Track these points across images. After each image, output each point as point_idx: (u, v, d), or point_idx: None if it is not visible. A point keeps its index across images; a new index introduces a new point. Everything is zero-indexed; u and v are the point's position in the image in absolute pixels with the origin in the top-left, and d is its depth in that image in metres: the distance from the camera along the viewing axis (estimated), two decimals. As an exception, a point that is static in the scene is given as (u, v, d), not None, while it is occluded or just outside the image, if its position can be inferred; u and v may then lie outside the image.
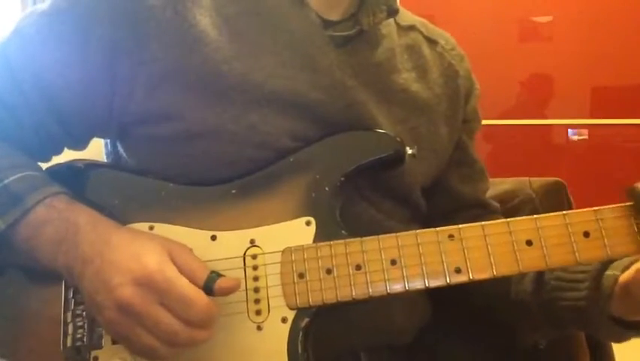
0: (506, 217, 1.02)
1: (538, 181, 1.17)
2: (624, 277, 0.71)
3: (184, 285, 0.63)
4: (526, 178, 1.17)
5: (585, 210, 0.68)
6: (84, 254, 0.66)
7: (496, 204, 0.99)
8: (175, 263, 0.65)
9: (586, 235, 0.68)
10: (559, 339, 1.01)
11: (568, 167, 2.88)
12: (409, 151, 0.76)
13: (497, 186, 1.10)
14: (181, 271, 0.64)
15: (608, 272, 0.74)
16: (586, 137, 2.85)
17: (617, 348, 1.07)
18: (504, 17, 2.93)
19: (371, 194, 0.80)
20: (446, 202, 0.93)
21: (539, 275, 0.81)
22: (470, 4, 2.98)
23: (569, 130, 2.88)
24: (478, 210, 0.95)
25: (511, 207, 1.19)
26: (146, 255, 0.64)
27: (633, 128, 2.77)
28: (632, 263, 0.72)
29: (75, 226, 0.67)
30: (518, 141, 2.83)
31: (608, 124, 2.82)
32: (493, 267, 0.68)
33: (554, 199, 1.16)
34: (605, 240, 0.67)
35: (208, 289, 0.65)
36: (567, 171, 2.84)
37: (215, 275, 0.66)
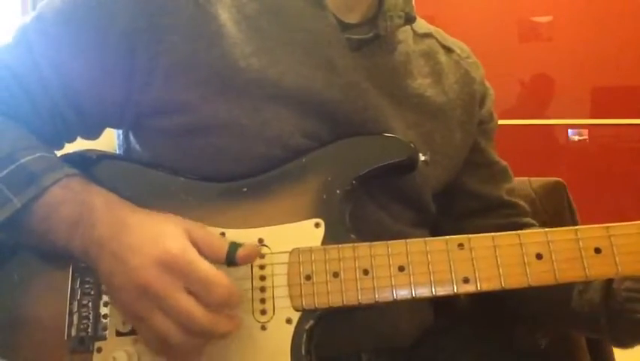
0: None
1: (538, 181, 1.18)
2: None
3: (206, 267, 0.63)
4: (526, 178, 1.18)
5: (597, 226, 0.68)
6: (101, 236, 0.66)
7: (525, 207, 0.98)
8: (194, 240, 0.65)
9: (597, 251, 0.67)
10: (559, 339, 1.01)
11: (568, 167, 2.89)
12: (422, 158, 0.76)
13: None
14: (201, 247, 0.65)
15: None
16: (586, 137, 2.86)
17: (617, 348, 1.08)
18: (504, 17, 2.94)
19: (381, 196, 0.81)
20: (470, 204, 0.94)
21: (607, 285, 0.79)
22: (470, 4, 2.98)
23: (569, 130, 2.88)
24: (502, 210, 0.95)
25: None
26: (167, 237, 0.64)
27: (633, 128, 2.77)
28: None
29: (91, 207, 0.67)
30: (518, 141, 2.83)
31: (608, 124, 2.82)
32: (502, 278, 0.67)
33: (554, 199, 1.16)
34: (617, 257, 0.66)
35: (231, 258, 0.66)
36: (567, 171, 2.85)
37: (235, 245, 0.67)
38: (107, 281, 0.67)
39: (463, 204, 0.94)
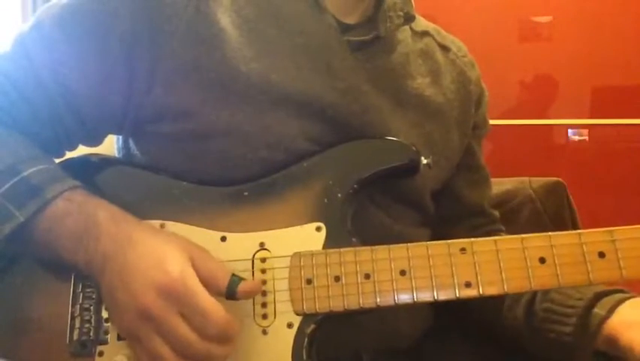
0: (506, 218, 1.03)
1: (538, 181, 1.18)
2: (613, 326, 0.72)
3: (204, 297, 0.63)
4: (526, 178, 1.18)
5: (600, 230, 0.68)
6: (105, 249, 0.66)
7: (496, 214, 0.99)
8: (196, 267, 0.65)
9: (601, 255, 0.67)
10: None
11: (568, 167, 2.88)
12: (424, 161, 0.76)
13: (497, 186, 1.11)
14: (202, 275, 0.65)
15: (596, 310, 0.74)
16: (586, 137, 2.86)
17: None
18: (504, 17, 2.93)
19: (381, 198, 0.81)
20: (451, 207, 0.94)
21: (530, 304, 0.81)
22: (470, 4, 2.98)
23: (569, 130, 2.88)
24: (479, 219, 0.96)
25: (511, 207, 1.19)
26: (169, 261, 0.64)
27: (633, 128, 2.77)
28: (617, 304, 0.73)
29: (95, 220, 0.67)
30: (518, 141, 2.83)
31: (608, 124, 2.82)
32: (504, 283, 0.67)
33: (554, 199, 1.16)
34: (621, 261, 0.66)
35: (231, 292, 0.65)
36: (567, 171, 2.84)
37: (236, 279, 0.66)
38: (108, 297, 0.67)
39: (445, 207, 0.93)
